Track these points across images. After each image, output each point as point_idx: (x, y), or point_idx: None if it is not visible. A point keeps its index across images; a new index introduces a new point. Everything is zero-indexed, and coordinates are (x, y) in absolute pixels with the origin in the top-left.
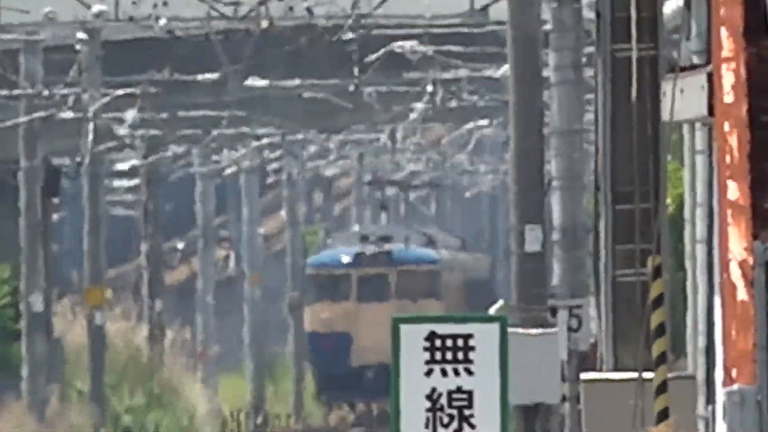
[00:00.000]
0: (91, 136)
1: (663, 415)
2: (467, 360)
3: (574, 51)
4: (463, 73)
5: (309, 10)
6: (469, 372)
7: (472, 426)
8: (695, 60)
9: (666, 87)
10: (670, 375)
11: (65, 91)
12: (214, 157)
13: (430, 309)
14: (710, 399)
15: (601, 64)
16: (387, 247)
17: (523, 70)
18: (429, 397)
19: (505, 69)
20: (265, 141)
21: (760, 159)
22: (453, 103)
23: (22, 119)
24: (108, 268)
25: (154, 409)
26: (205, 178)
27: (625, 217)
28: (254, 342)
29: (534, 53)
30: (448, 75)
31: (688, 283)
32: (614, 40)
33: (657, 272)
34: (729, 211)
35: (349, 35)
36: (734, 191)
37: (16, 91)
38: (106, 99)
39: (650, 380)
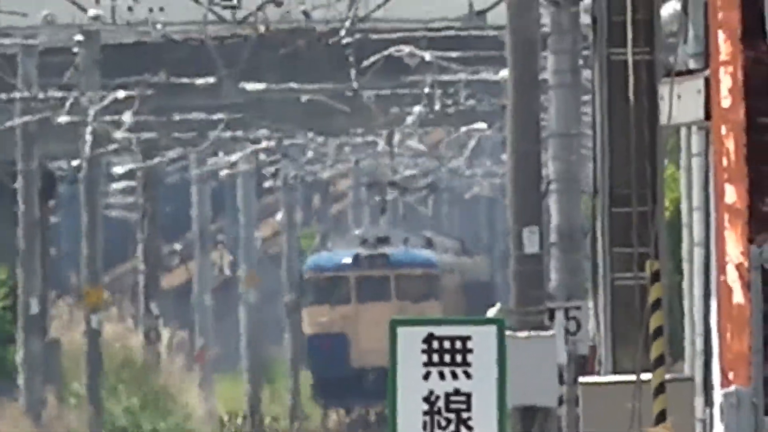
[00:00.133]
0: (88, 140)
1: (661, 417)
2: (465, 363)
3: (571, 54)
4: (461, 76)
5: (306, 13)
6: (467, 375)
7: (469, 429)
8: (692, 63)
9: (663, 91)
10: (668, 377)
11: (62, 94)
12: (211, 161)
13: (429, 311)
14: (708, 401)
15: (598, 67)
16: (385, 249)
17: (522, 74)
18: (426, 399)
19: (504, 72)
20: (262, 145)
21: (757, 162)
22: (451, 107)
23: (19, 121)
24: (105, 270)
25: (150, 411)
26: (201, 182)
27: (623, 220)
28: (251, 344)
29: (532, 57)
30: (446, 78)
31: (685, 286)
32: (611, 44)
33: (655, 276)
34: (726, 215)
35: (347, 39)
36: (731, 194)
37: (13, 94)
38: (104, 103)
39: (648, 382)
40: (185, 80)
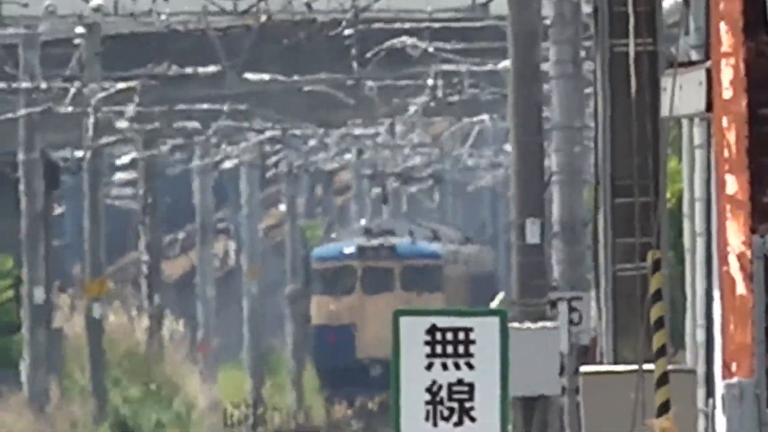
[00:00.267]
0: (91, 130)
1: (663, 408)
2: (468, 353)
3: (573, 45)
4: (463, 67)
5: (308, 4)
6: (470, 365)
7: (472, 419)
8: (693, 55)
9: (665, 82)
10: (670, 368)
11: (64, 84)
12: (213, 151)
13: (434, 302)
14: (710, 393)
15: (600, 59)
16: (391, 240)
17: (523, 66)
18: (429, 389)
19: (506, 63)
20: (265, 135)
21: (759, 153)
22: (454, 97)
23: (21, 112)
24: (108, 261)
25: (153, 402)
26: (203, 172)
27: (625, 211)
28: (253, 335)
29: (534, 48)
30: (448, 68)
31: (687, 277)
32: (612, 36)
33: (656, 266)
34: (728, 206)
35: (349, 30)
36: (733, 185)
37: (14, 85)
38: (105, 93)
39: (650, 372)
40: (188, 71)
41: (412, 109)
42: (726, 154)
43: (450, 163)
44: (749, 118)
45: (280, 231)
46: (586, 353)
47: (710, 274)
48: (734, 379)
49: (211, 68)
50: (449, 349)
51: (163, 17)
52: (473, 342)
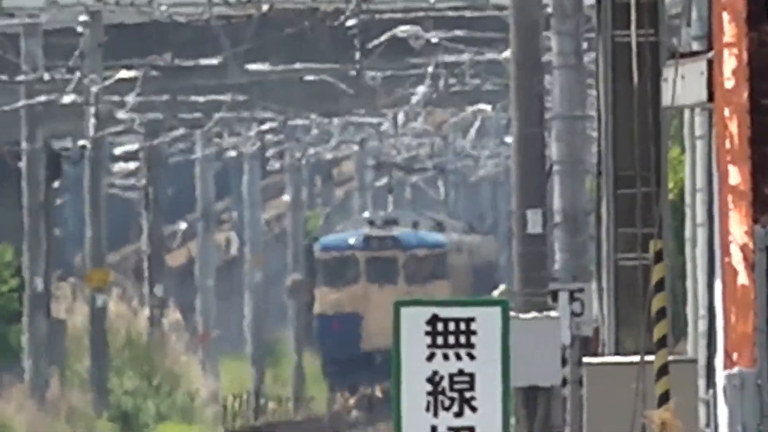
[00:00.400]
0: (92, 120)
1: (664, 398)
2: (469, 344)
3: (575, 36)
4: (465, 57)
5: None
6: (471, 356)
7: (473, 409)
8: (695, 45)
9: (667, 73)
10: (671, 358)
11: (67, 75)
12: (215, 141)
13: (438, 292)
14: (711, 383)
15: (602, 49)
16: (395, 230)
17: (525, 56)
18: (431, 380)
19: (508, 53)
20: (266, 126)
21: (761, 143)
22: (455, 88)
23: (23, 103)
24: (109, 251)
25: (153, 393)
26: (205, 162)
27: (627, 201)
28: (255, 325)
29: (535, 39)
30: (450, 58)
31: (689, 267)
32: (615, 26)
33: (658, 256)
34: (729, 196)
35: (351, 20)
36: (735, 176)
37: (18, 77)
38: (107, 83)
39: (652, 363)
40: (190, 61)
41: (414, 99)
42: (728, 144)
43: (452, 153)
44: (751, 109)
45: (281, 222)
46: (587, 344)
47: (712, 264)
48: (735, 369)
49: (213, 58)
50: (450, 339)
51: (164, 7)
52: (474, 332)
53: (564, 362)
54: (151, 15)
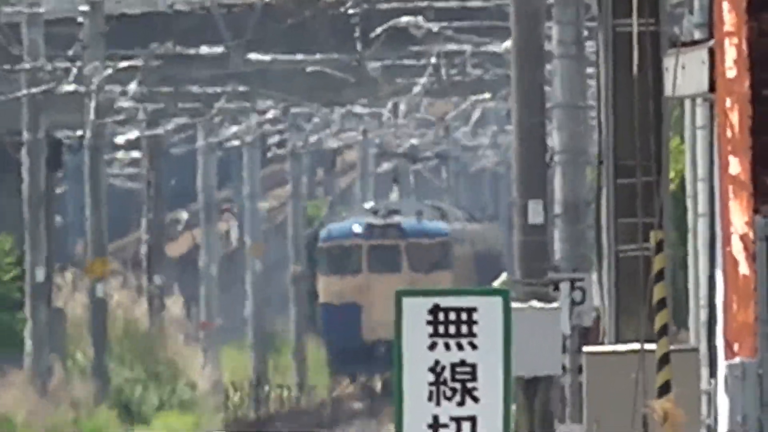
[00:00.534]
0: (93, 110)
1: (665, 388)
2: (471, 333)
3: (575, 25)
4: (466, 46)
5: None
6: (473, 345)
7: (475, 399)
8: (696, 34)
9: (668, 62)
10: (672, 347)
11: (67, 64)
12: (217, 130)
13: (441, 281)
14: (713, 372)
15: (603, 38)
16: (398, 219)
17: (526, 45)
18: (432, 370)
19: (508, 43)
20: (268, 115)
21: (762, 133)
22: (457, 77)
23: (24, 92)
24: (110, 240)
25: (155, 382)
26: (206, 151)
27: (628, 191)
28: (257, 314)
29: (536, 28)
30: (452, 48)
31: (690, 257)
32: (615, 15)
33: (659, 246)
34: (730, 186)
35: (353, 9)
36: (736, 166)
37: (19, 66)
38: (108, 72)
39: (652, 352)
40: (191, 51)
41: (415, 89)
42: (729, 134)
43: (453, 142)
44: (752, 98)
45: (281, 211)
46: (587, 333)
47: (713, 254)
48: (737, 359)
49: (215, 48)
50: (452, 329)
51: None
52: (476, 322)
53: (564, 351)
54: (153, 4)
